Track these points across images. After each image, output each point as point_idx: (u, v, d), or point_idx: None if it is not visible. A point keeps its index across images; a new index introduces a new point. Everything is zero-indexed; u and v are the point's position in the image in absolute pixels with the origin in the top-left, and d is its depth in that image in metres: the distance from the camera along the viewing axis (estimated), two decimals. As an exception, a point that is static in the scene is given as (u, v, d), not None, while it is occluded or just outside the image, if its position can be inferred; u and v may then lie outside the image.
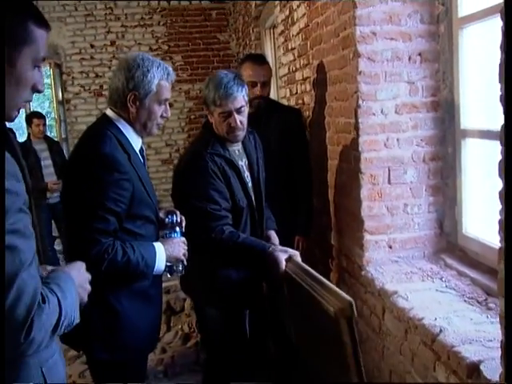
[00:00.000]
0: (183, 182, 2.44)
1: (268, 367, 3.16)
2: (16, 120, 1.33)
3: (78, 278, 1.39)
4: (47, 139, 6.04)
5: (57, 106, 7.80)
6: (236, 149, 2.53)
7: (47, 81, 10.10)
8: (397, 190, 2.56)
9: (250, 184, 2.54)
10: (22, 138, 6.14)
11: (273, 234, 2.75)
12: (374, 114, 2.51)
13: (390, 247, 2.59)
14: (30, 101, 1.34)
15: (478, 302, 2.07)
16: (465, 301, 2.10)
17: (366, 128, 2.52)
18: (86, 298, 1.42)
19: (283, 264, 2.25)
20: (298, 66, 3.81)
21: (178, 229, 2.19)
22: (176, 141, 7.89)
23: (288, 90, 4.21)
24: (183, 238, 2.18)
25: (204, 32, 7.87)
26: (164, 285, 4.14)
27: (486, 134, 2.20)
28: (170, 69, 2.11)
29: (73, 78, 7.63)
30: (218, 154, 2.41)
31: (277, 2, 4.29)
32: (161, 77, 2.04)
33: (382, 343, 2.43)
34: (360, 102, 2.50)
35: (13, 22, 1.18)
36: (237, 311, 2.54)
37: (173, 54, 7.74)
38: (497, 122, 1.41)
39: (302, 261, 2.38)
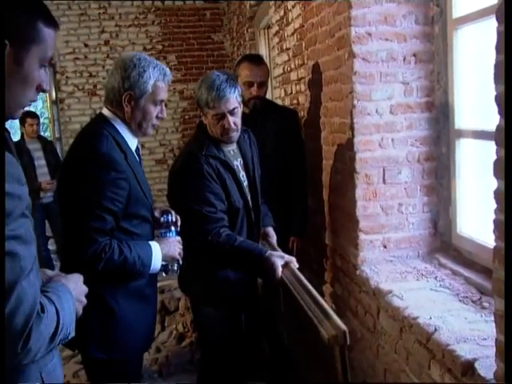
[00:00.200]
0: (179, 184, 2.44)
1: (262, 367, 3.17)
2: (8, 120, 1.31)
3: (75, 290, 1.37)
4: (41, 139, 6.02)
5: (50, 106, 7.78)
6: (231, 149, 2.54)
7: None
8: (391, 189, 2.58)
9: (245, 183, 2.55)
10: (15, 137, 6.11)
11: (271, 231, 2.76)
12: (368, 114, 2.52)
13: (385, 247, 2.60)
14: (35, 101, 1.32)
15: (472, 300, 2.09)
16: (459, 300, 2.12)
17: (361, 128, 2.53)
18: (80, 312, 1.40)
19: (280, 270, 2.27)
20: (292, 66, 3.81)
21: (173, 228, 2.19)
22: (170, 141, 7.88)
23: (283, 90, 4.22)
24: (178, 238, 2.19)
25: (198, 32, 7.86)
26: (158, 284, 4.15)
27: (480, 135, 2.22)
28: (167, 70, 2.10)
29: (67, 77, 7.60)
30: (213, 155, 2.41)
31: (271, 3, 4.30)
32: (157, 77, 2.04)
33: (376, 342, 2.44)
34: (355, 102, 2.51)
35: (22, 21, 1.16)
36: (234, 311, 2.55)
37: (167, 54, 7.72)
38: (491, 122, 1.43)
39: (297, 261, 2.39)
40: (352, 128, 2.54)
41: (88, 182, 1.91)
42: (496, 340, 1.46)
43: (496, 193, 1.42)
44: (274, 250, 2.61)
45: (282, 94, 4.23)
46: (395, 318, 2.19)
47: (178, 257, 2.15)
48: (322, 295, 3.29)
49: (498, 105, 1.39)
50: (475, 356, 1.68)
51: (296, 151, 3.27)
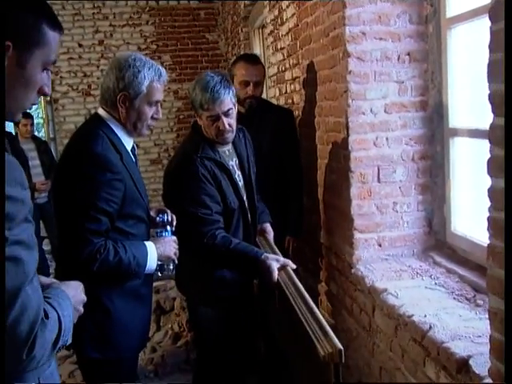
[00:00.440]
0: (174, 186, 2.44)
1: (258, 367, 3.17)
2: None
3: (74, 297, 1.36)
4: (35, 139, 6.01)
5: (45, 106, 7.75)
6: (226, 149, 2.54)
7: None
8: (386, 188, 2.59)
9: (241, 183, 2.55)
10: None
11: (268, 227, 2.78)
12: (363, 114, 2.53)
13: (380, 245, 2.61)
14: (36, 104, 1.30)
15: (467, 298, 2.10)
16: (454, 298, 2.13)
17: (356, 127, 2.54)
18: (75, 320, 1.38)
19: (276, 273, 2.29)
20: (287, 65, 3.82)
21: (168, 228, 2.20)
22: (165, 141, 7.88)
23: (277, 89, 4.23)
24: (174, 237, 2.19)
25: (193, 32, 7.86)
26: (154, 284, 4.14)
27: (474, 133, 2.23)
28: (163, 70, 2.09)
29: (61, 77, 7.58)
30: (208, 157, 2.41)
31: (266, 2, 4.30)
32: (152, 78, 2.03)
33: (372, 340, 2.45)
34: (350, 101, 2.52)
35: (26, 23, 1.14)
36: (230, 311, 2.55)
37: (161, 54, 7.71)
38: (485, 120, 1.43)
39: (293, 260, 2.40)
40: (347, 127, 2.55)
41: (83, 182, 1.90)
42: (490, 337, 1.46)
43: (490, 191, 1.43)
44: (271, 246, 2.63)
45: (277, 94, 4.24)
46: (390, 316, 2.20)
47: (174, 257, 2.15)
48: (318, 294, 3.30)
49: (491, 103, 1.40)
50: (470, 353, 1.69)
51: (291, 151, 3.27)
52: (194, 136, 2.52)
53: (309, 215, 3.34)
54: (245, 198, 2.55)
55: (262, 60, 4.83)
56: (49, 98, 7.66)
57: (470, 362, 1.65)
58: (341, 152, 2.68)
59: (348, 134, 2.55)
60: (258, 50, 5.37)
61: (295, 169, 3.28)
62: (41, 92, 1.22)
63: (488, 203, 1.44)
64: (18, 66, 1.14)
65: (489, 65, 1.41)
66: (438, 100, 2.50)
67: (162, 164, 7.40)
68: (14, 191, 1.05)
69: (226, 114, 2.39)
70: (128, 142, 2.09)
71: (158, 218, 2.20)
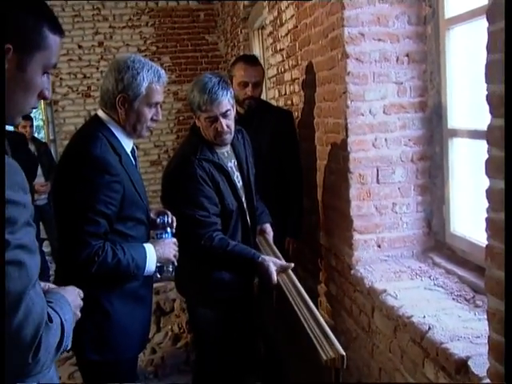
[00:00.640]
0: (172, 188, 2.45)
1: (257, 367, 3.17)
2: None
3: (72, 303, 1.36)
4: (35, 141, 6.01)
5: (45, 108, 7.76)
6: (225, 151, 2.54)
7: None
8: (385, 189, 2.59)
9: (240, 184, 2.56)
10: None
11: (268, 227, 2.78)
12: (362, 115, 2.53)
13: (379, 246, 2.61)
14: (36, 107, 1.30)
15: (466, 299, 2.10)
16: (453, 298, 2.13)
17: (355, 128, 2.54)
18: (74, 324, 1.36)
19: (274, 275, 2.30)
20: (286, 66, 3.82)
21: (169, 229, 2.20)
22: (165, 142, 7.88)
23: (277, 90, 4.23)
24: (174, 239, 2.19)
25: (192, 33, 7.87)
26: (154, 286, 4.13)
27: (473, 134, 2.23)
28: (162, 72, 2.08)
29: (61, 79, 7.58)
30: (206, 159, 2.41)
31: (265, 3, 4.31)
32: (151, 79, 2.02)
33: (371, 341, 2.45)
34: (348, 102, 2.52)
35: (27, 26, 1.13)
36: (229, 312, 2.55)
37: (161, 55, 7.72)
38: (484, 121, 1.44)
39: (292, 261, 2.40)
40: (346, 128, 2.55)
41: (82, 185, 1.90)
42: (489, 338, 1.47)
43: (488, 192, 1.43)
44: (270, 246, 2.64)
45: (277, 95, 4.24)
46: (389, 317, 2.20)
47: (173, 259, 2.15)
48: (317, 295, 3.31)
49: (489, 104, 1.40)
50: (468, 354, 1.69)
51: (291, 152, 3.28)
52: (192, 138, 2.52)
53: (308, 216, 3.34)
54: (243, 199, 2.55)
55: (262, 61, 4.84)
56: (49, 100, 7.66)
57: (469, 362, 1.65)
58: (340, 153, 2.68)
59: (347, 135, 2.55)
60: (257, 51, 5.38)
61: (295, 170, 3.28)
62: (41, 96, 1.21)
63: (486, 204, 1.45)
64: (19, 69, 1.13)
65: (486, 66, 1.41)
66: (437, 101, 2.50)
67: (162, 165, 7.40)
68: (16, 195, 1.04)
69: (224, 115, 2.39)
70: (128, 144, 2.08)
71: (158, 220, 2.20)
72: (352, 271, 2.61)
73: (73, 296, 1.40)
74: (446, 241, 2.53)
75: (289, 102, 3.84)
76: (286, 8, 3.62)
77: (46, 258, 5.90)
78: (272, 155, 3.18)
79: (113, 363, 2.05)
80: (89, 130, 2.04)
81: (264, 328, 2.93)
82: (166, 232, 2.19)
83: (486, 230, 1.45)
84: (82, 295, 1.48)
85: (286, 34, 3.70)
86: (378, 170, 2.57)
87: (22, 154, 5.26)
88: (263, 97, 4.53)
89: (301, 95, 3.43)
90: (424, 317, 1.99)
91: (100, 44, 7.65)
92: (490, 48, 1.38)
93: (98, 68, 7.61)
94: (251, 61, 3.21)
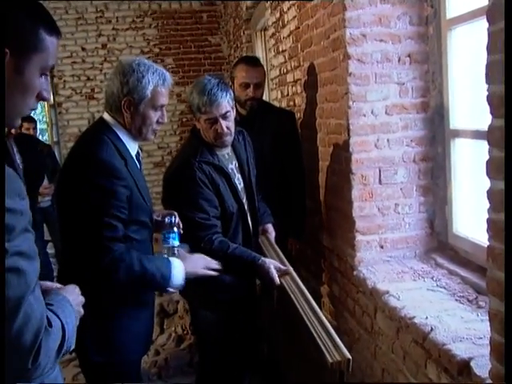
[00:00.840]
0: (172, 190, 2.45)
1: (261, 368, 3.17)
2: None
3: (74, 301, 1.37)
4: (38, 143, 6.02)
5: (49, 110, 7.78)
6: (225, 153, 2.54)
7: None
8: (387, 190, 2.58)
9: (241, 186, 2.56)
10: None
11: (270, 227, 2.79)
12: (364, 115, 2.53)
13: (382, 247, 2.61)
14: (35, 109, 1.30)
15: (469, 300, 2.09)
16: (455, 299, 2.12)
17: (357, 129, 2.53)
18: (77, 322, 1.38)
19: (276, 277, 2.31)
20: (288, 67, 3.82)
21: (175, 229, 2.20)
22: (168, 144, 7.89)
23: (279, 91, 4.23)
24: (203, 255, 2.23)
25: (195, 35, 7.88)
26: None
27: (476, 134, 2.22)
28: (167, 74, 2.08)
29: (64, 81, 7.61)
30: (207, 161, 2.41)
31: (267, 5, 4.31)
32: (156, 82, 2.02)
33: (374, 342, 2.45)
34: (350, 103, 2.52)
35: (24, 29, 1.13)
36: (231, 314, 2.55)
37: (164, 57, 7.73)
38: (486, 122, 1.43)
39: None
40: (348, 129, 2.55)
41: (91, 190, 1.89)
42: (490, 339, 1.46)
43: (489, 192, 1.43)
44: (272, 246, 2.64)
45: (279, 96, 4.24)
46: (392, 318, 2.20)
47: (202, 273, 2.17)
48: (320, 296, 3.30)
49: (489, 105, 1.39)
50: (471, 355, 1.68)
51: (293, 152, 3.28)
52: (192, 140, 2.53)
53: (311, 217, 3.34)
54: (244, 200, 2.55)
55: (264, 62, 4.85)
56: (52, 102, 7.69)
57: (471, 363, 1.64)
58: (342, 154, 2.68)
59: (349, 136, 2.54)
60: (260, 52, 5.38)
61: (297, 171, 3.28)
62: (39, 97, 1.22)
63: (488, 204, 1.44)
64: (16, 73, 1.13)
65: (487, 66, 1.40)
66: (439, 101, 2.50)
67: (165, 167, 7.37)
68: (13, 203, 1.05)
69: (224, 116, 2.39)
70: (133, 147, 2.08)
71: (166, 219, 2.20)
72: (354, 272, 2.61)
73: (74, 295, 1.40)
74: (449, 241, 2.52)
75: (291, 103, 3.84)
76: (288, 9, 3.62)
77: (50, 259, 5.91)
78: (274, 156, 3.18)
79: (117, 365, 2.06)
80: (95, 134, 2.04)
81: (265, 329, 2.93)
82: (173, 232, 2.20)
83: (488, 231, 1.44)
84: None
85: (288, 36, 3.70)
86: (380, 171, 2.57)
87: (31, 155, 5.29)
88: (266, 98, 4.54)
89: (303, 96, 3.43)
90: (426, 318, 1.99)
91: (103, 46, 7.67)
92: (490, 48, 1.38)
93: (101, 70, 7.63)
94: (252, 62, 3.22)
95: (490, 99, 1.39)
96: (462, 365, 1.67)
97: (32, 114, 6.98)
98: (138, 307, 2.10)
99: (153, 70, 2.03)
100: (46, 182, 5.72)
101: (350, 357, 1.66)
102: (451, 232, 2.51)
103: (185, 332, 4.18)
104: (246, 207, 2.55)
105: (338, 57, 2.62)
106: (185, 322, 4.24)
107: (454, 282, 2.26)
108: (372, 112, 2.53)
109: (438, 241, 2.61)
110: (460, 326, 1.90)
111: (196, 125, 2.50)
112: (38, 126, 6.36)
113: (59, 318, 1.19)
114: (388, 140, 2.55)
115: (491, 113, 1.39)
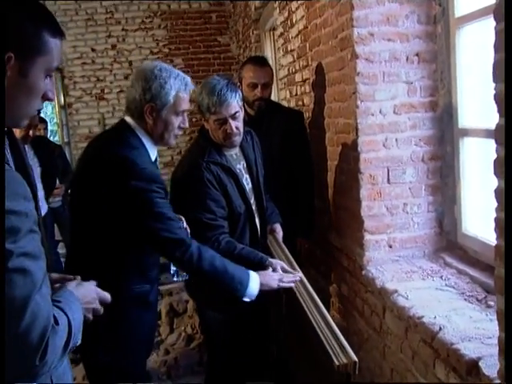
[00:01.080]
0: (180, 191, 2.46)
1: (269, 368, 3.17)
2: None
3: (84, 298, 1.40)
4: (49, 143, 6.05)
5: (59, 111, 7.83)
6: (233, 153, 2.54)
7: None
8: (396, 189, 2.58)
9: (249, 186, 2.56)
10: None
11: (278, 227, 2.79)
12: (372, 115, 2.52)
13: (390, 246, 2.60)
14: (41, 109, 1.34)
15: (478, 299, 2.08)
16: (464, 299, 2.12)
17: (365, 128, 2.53)
18: (91, 316, 1.44)
19: (282, 277, 2.29)
20: (297, 67, 3.82)
21: None
22: (178, 143, 7.90)
23: (288, 91, 4.23)
24: (278, 273, 2.28)
25: (204, 35, 7.90)
26: (167, 287, 4.16)
27: (484, 133, 2.21)
28: (188, 79, 2.10)
29: (74, 82, 7.66)
30: (215, 161, 2.41)
31: (276, 5, 4.31)
32: (178, 88, 2.03)
33: (382, 342, 2.44)
34: (358, 102, 2.51)
35: (27, 32, 1.15)
36: (238, 314, 2.56)
37: (173, 57, 7.76)
38: (495, 120, 1.43)
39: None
40: (356, 128, 2.54)
41: (140, 196, 1.94)
42: (499, 338, 1.46)
43: (497, 191, 1.42)
44: (280, 246, 2.64)
45: (288, 96, 4.24)
46: (401, 318, 2.19)
47: (277, 287, 2.22)
48: (329, 295, 3.30)
49: (496, 103, 1.39)
50: (479, 355, 1.67)
51: (302, 152, 3.28)
52: (200, 140, 2.53)
53: (320, 217, 3.34)
54: (252, 201, 2.55)
55: (273, 62, 4.86)
56: (63, 103, 7.74)
57: (480, 363, 1.64)
58: (350, 153, 2.67)
59: (357, 136, 2.54)
60: (268, 52, 5.38)
61: (306, 170, 3.28)
62: (44, 98, 1.24)
63: (496, 203, 1.44)
64: (21, 75, 1.15)
65: (494, 65, 1.40)
66: (448, 100, 2.49)
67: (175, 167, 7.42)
68: (18, 205, 1.08)
69: (233, 117, 2.39)
70: (153, 152, 2.09)
71: None
72: (363, 271, 2.61)
73: (90, 291, 1.45)
74: (458, 241, 2.51)
75: (300, 103, 3.84)
76: (297, 9, 3.62)
77: (61, 259, 5.95)
78: (282, 156, 3.18)
79: (125, 366, 2.07)
80: (122, 138, 2.02)
81: (274, 330, 2.93)
82: None
83: (495, 230, 1.44)
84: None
85: (297, 35, 3.71)
86: (388, 170, 2.56)
87: (46, 156, 5.32)
88: (275, 98, 4.55)
89: (311, 96, 3.43)
90: (435, 317, 1.98)
91: (113, 47, 7.71)
92: (497, 47, 1.38)
93: (111, 71, 7.68)
94: (260, 62, 3.22)
95: (497, 98, 1.39)
96: (470, 364, 1.67)
97: (43, 115, 7.04)
98: (145, 310, 2.11)
99: (174, 76, 2.03)
100: (56, 183, 5.75)
101: (356, 359, 1.66)
102: (460, 231, 2.50)
103: (194, 331, 4.19)
104: (253, 208, 2.55)
105: (346, 56, 2.62)
106: (194, 321, 4.24)
107: (463, 281, 2.26)
108: (380, 111, 2.52)
109: (447, 240, 2.60)
110: (469, 325, 1.89)
111: (204, 125, 2.50)
112: (49, 127, 6.39)
113: (66, 315, 1.21)
114: (396, 139, 2.55)
115: (498, 111, 1.39)
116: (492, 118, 1.53)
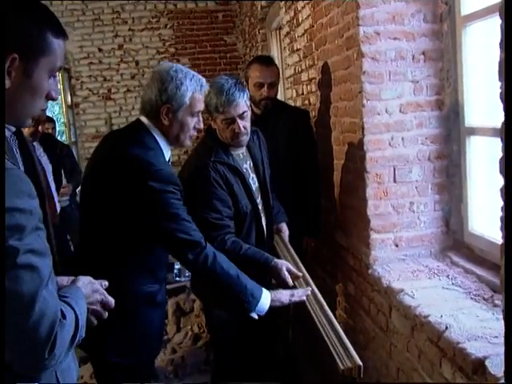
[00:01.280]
0: (186, 190, 2.46)
1: (276, 368, 3.18)
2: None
3: (88, 299, 1.40)
4: (57, 143, 6.08)
5: (66, 110, 7.87)
6: (240, 152, 2.55)
7: (56, 85, 10.17)
8: (402, 188, 2.57)
9: (256, 185, 2.56)
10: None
11: (284, 226, 2.79)
12: (378, 114, 2.52)
13: (397, 245, 2.60)
14: (46, 108, 1.35)
15: (484, 298, 2.08)
16: (471, 298, 2.11)
17: (371, 127, 2.53)
18: (95, 320, 1.45)
19: (288, 278, 2.31)
20: (303, 66, 3.82)
21: None
22: (184, 143, 7.92)
23: (294, 90, 4.23)
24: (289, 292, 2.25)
25: (211, 34, 7.91)
26: (174, 286, 4.16)
27: (491, 132, 2.20)
28: (203, 80, 2.10)
29: (81, 82, 7.69)
30: (221, 161, 2.41)
31: (282, 4, 4.31)
32: (194, 89, 2.04)
33: (389, 341, 2.44)
34: (364, 101, 2.51)
35: (31, 33, 1.16)
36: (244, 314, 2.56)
37: (180, 57, 7.77)
38: (501, 119, 1.42)
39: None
40: (362, 127, 2.54)
41: (156, 197, 1.94)
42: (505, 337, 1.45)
43: (503, 190, 1.42)
44: (286, 245, 2.64)
45: (294, 95, 4.24)
46: (407, 317, 2.19)
47: (288, 302, 2.19)
48: (336, 294, 3.30)
49: (503, 102, 1.39)
50: (486, 354, 1.67)
51: (308, 151, 3.28)
52: (207, 140, 2.54)
53: (326, 216, 3.34)
54: (259, 200, 2.55)
55: (280, 61, 4.86)
56: (70, 103, 7.77)
57: (486, 362, 1.64)
58: (356, 152, 2.67)
59: (363, 135, 2.54)
60: (275, 51, 5.38)
61: (312, 169, 3.28)
62: (48, 97, 1.26)
63: (502, 202, 1.44)
64: (25, 76, 1.17)
65: (500, 63, 1.40)
66: (454, 99, 2.48)
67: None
68: (23, 203, 1.09)
69: (241, 116, 2.40)
70: (167, 153, 2.10)
71: None
72: (370, 270, 2.61)
73: (90, 290, 1.44)
74: (465, 240, 2.51)
75: (306, 102, 3.84)
76: (302, 8, 3.62)
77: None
78: (289, 155, 3.18)
79: (134, 366, 2.07)
80: (138, 138, 2.02)
81: (282, 329, 2.93)
82: None
83: (501, 229, 1.44)
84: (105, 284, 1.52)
85: (303, 34, 3.71)
86: (394, 169, 2.56)
87: (54, 155, 5.35)
88: (281, 97, 4.55)
89: (317, 95, 3.43)
90: (441, 316, 1.98)
91: (120, 47, 7.73)
92: (503, 45, 1.37)
93: (118, 71, 7.71)
94: (266, 61, 3.23)
95: (503, 96, 1.38)
96: (476, 364, 1.67)
97: (51, 115, 7.07)
98: (153, 309, 2.11)
99: (190, 77, 2.04)
100: (64, 182, 5.77)
101: (361, 363, 1.67)
102: (467, 230, 2.49)
103: (201, 330, 4.20)
104: (260, 207, 2.55)
105: (351, 55, 2.62)
106: (201, 320, 4.25)
107: (470, 280, 2.25)
108: (386, 110, 2.52)
109: (454, 239, 2.59)
110: (475, 324, 1.89)
111: (211, 124, 2.50)
112: (57, 128, 6.42)
113: (73, 309, 1.24)
114: (403, 138, 2.54)
115: (504, 110, 1.38)
116: (498, 116, 1.53)
